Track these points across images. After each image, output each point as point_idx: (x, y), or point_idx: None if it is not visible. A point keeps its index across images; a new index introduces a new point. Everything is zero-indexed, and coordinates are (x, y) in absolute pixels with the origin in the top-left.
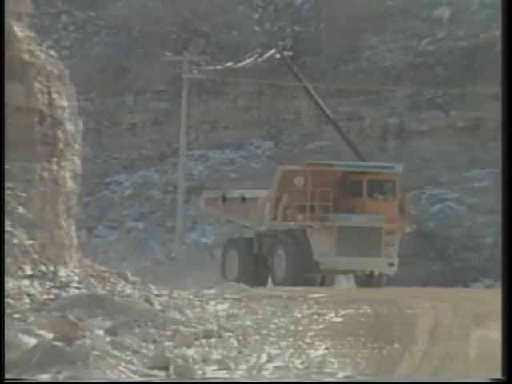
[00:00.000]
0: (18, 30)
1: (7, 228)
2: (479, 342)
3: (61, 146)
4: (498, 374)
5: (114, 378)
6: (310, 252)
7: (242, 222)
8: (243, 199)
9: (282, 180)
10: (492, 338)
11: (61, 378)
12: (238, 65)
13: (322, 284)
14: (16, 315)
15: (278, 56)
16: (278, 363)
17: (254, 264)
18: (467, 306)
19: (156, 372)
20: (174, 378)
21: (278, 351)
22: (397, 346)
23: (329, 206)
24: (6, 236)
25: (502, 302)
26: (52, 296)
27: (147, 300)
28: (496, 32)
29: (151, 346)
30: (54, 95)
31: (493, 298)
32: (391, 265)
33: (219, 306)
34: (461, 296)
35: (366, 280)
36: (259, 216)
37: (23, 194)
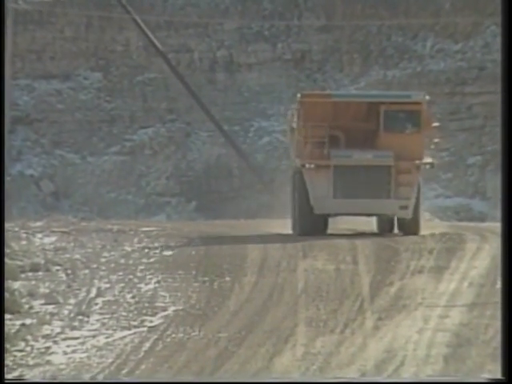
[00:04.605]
0: None
1: None
2: (306, 272)
3: None
4: (320, 300)
5: None
6: (307, 195)
7: (291, 153)
8: (292, 129)
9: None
10: (319, 268)
11: None
12: None
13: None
14: None
15: None
16: (108, 297)
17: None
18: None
19: None
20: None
21: (107, 285)
22: (227, 278)
23: (324, 142)
24: None
25: (502, 302)
26: None
27: None
28: None
29: None
30: None
31: None
32: (403, 207)
33: (46, 239)
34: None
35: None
36: (294, 149)
37: None
